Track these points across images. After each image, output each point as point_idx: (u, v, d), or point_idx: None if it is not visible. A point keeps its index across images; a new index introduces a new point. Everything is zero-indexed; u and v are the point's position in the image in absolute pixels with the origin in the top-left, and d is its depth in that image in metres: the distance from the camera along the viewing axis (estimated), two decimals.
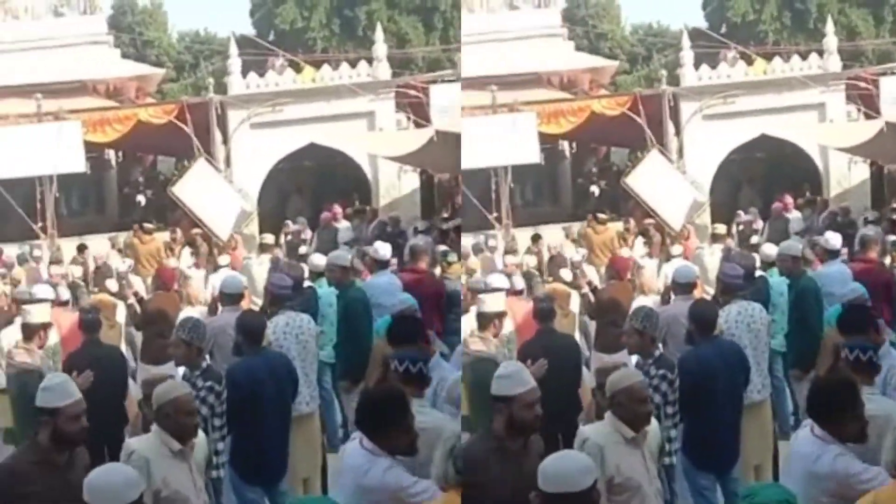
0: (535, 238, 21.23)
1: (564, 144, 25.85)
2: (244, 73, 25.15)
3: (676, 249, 18.46)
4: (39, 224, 22.89)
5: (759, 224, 23.08)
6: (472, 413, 11.13)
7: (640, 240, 20.96)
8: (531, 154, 23.31)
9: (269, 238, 20.62)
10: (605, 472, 7.52)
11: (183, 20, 32.51)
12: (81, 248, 21.57)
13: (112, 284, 16.42)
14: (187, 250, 21.09)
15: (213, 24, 32.44)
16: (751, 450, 10.47)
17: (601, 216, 21.67)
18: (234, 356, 10.45)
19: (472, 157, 22.47)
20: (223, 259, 18.72)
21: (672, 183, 22.80)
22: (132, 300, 15.86)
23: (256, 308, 13.63)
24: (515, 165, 23.65)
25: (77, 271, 19.38)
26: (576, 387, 11.26)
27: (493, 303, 11.45)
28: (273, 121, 24.63)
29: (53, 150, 22.55)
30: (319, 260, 14.51)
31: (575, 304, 14.67)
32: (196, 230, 22.30)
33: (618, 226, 21.90)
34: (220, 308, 12.48)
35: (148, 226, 22.08)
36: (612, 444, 7.67)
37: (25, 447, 7.32)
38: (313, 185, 26.05)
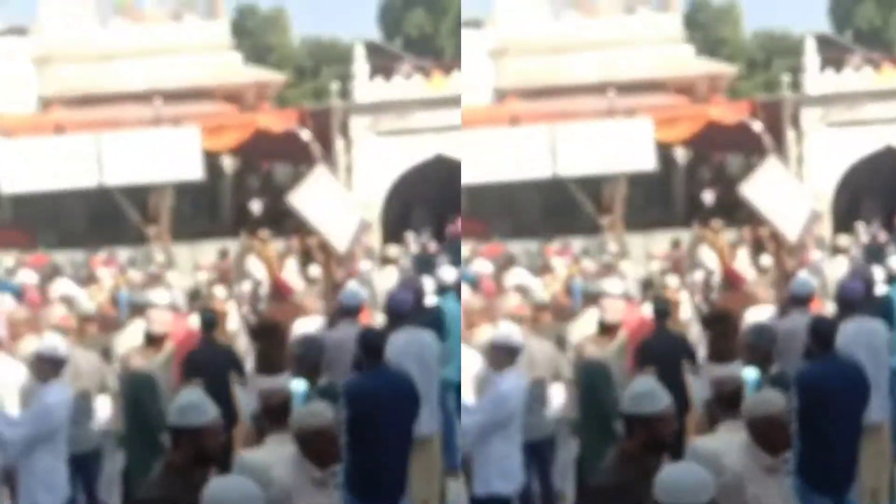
0: (675, 244, 21.10)
1: (679, 151, 25.60)
2: (370, 80, 25.10)
3: (816, 255, 18.22)
4: (153, 229, 22.93)
5: (883, 237, 22.66)
6: (581, 416, 11.08)
7: (745, 250, 20.67)
8: (646, 161, 23.10)
9: (394, 250, 20.29)
10: (742, 501, 7.34)
11: (305, 25, 32.51)
12: (224, 254, 21.51)
13: (220, 292, 16.45)
14: (293, 260, 21.00)
15: (336, 29, 32.42)
16: (867, 473, 10.24)
17: (714, 224, 21.45)
18: (352, 371, 10.32)
19: (586, 162, 22.37)
20: (364, 265, 18.59)
21: (790, 192, 22.36)
22: (246, 309, 15.83)
23: (377, 322, 13.47)
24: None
25: (203, 276, 19.49)
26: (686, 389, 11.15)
27: (613, 312, 11.50)
28: (399, 129, 24.51)
29: (171, 157, 22.62)
30: (448, 274, 14.25)
31: (685, 312, 14.49)
32: (312, 240, 22.06)
33: (731, 235, 21.65)
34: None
35: (262, 234, 22.03)
36: (752, 472, 7.48)
37: (165, 471, 7.08)
38: (438, 197, 25.95)
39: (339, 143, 24.12)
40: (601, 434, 11.16)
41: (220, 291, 16.68)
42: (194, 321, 12.99)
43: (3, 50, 25.67)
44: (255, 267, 19.56)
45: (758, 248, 20.85)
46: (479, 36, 26.15)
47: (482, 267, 18.40)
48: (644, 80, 25.36)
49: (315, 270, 18.68)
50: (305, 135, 23.31)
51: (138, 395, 11.05)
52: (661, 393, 7.26)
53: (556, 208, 23.88)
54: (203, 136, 23.21)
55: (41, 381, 10.23)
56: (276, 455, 7.68)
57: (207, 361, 11.28)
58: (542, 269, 18.52)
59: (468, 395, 10.63)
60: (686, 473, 6.05)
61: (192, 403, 7.10)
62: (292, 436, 7.44)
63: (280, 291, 15.06)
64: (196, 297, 16.87)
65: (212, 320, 12.10)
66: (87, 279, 18.66)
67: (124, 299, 15.02)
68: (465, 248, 21.48)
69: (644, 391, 7.28)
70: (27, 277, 18.61)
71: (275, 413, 8.28)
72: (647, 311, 12.75)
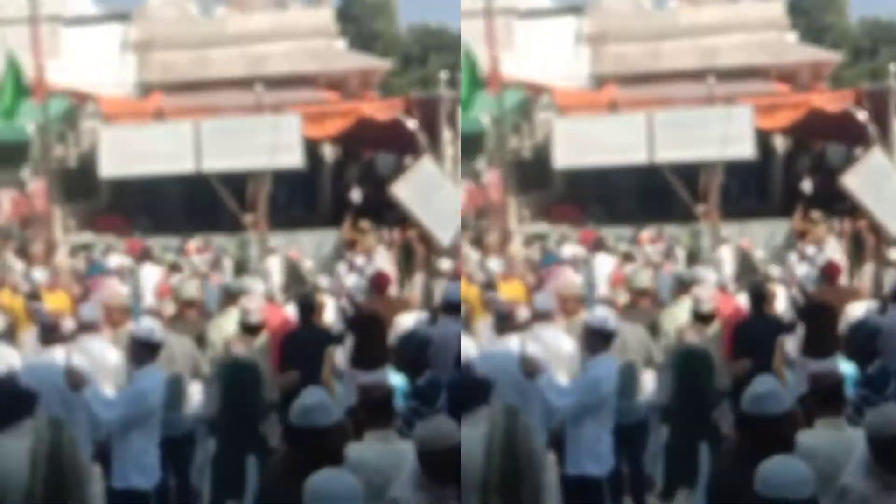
0: (802, 234, 20.87)
1: (778, 139, 25.29)
2: None
3: None
4: (249, 217, 22.83)
5: None
6: (676, 403, 11.03)
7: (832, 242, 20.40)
8: (745, 148, 22.85)
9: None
10: None
11: (412, 11, 32.32)
12: (351, 244, 21.38)
13: (324, 282, 16.49)
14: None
15: (445, 16, 32.18)
16: None
17: (813, 215, 21.19)
18: (455, 368, 10.30)
19: (683, 149, 22.22)
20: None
21: (894, 184, 22.05)
22: (344, 301, 15.79)
23: None
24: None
25: (308, 265, 19.53)
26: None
27: (707, 300, 11.64)
28: None
29: (270, 144, 22.52)
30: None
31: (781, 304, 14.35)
32: (412, 232, 21.82)
33: (830, 226, 21.38)
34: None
35: (363, 225, 21.88)
36: (876, 492, 7.27)
37: (285, 471, 7.01)
38: None
39: (446, 134, 23.86)
40: (695, 421, 11.13)
41: (323, 281, 16.73)
42: (290, 310, 13.10)
43: (105, 35, 25.92)
44: (383, 258, 19.48)
45: (857, 240, 20.57)
46: (578, 22, 26.04)
47: (574, 252, 18.34)
48: (745, 66, 25.13)
49: (446, 264, 18.62)
50: (412, 124, 23.07)
51: (240, 382, 11.12)
52: (784, 393, 7.19)
53: (651, 195, 23.71)
54: (304, 123, 23.07)
55: (136, 365, 10.33)
56: (379, 455, 7.67)
57: (305, 344, 11.33)
58: (626, 256, 18.45)
59: (560, 377, 10.62)
60: (789, 467, 6.03)
61: (315, 404, 7.06)
62: (416, 454, 7.26)
63: (379, 284, 14.90)
64: (295, 286, 16.94)
65: (310, 305, 12.15)
66: (174, 266, 18.71)
67: (214, 287, 15.09)
68: (556, 233, 21.40)
69: (767, 392, 7.21)
70: (119, 262, 18.82)
71: (375, 408, 8.19)
72: (742, 300, 12.68)
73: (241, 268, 19.30)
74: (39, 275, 17.70)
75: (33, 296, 15.24)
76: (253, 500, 10.80)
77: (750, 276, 17.75)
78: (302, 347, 11.63)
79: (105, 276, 17.13)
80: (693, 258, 18.37)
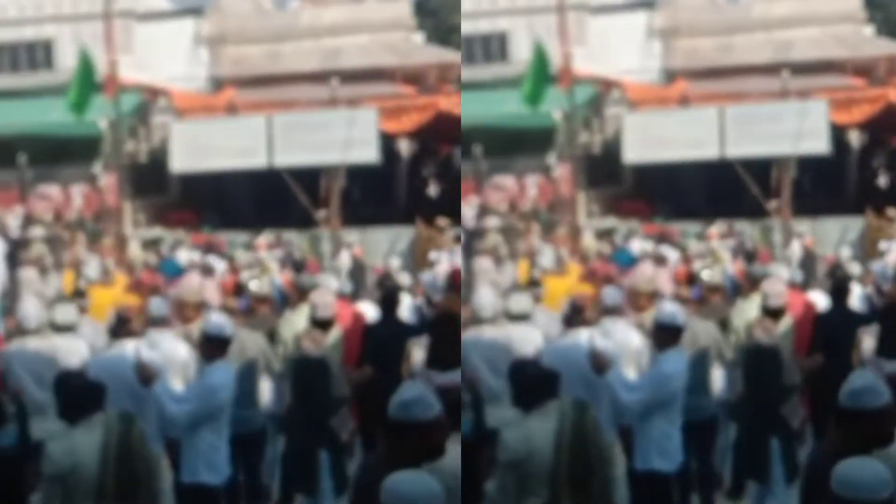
0: None
1: (853, 134, 25.05)
2: None
3: None
4: (322, 213, 22.80)
5: None
6: (746, 399, 10.98)
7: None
8: (819, 144, 22.65)
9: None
10: None
11: None
12: (457, 239, 21.38)
13: (405, 279, 16.48)
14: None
15: None
16: None
17: (890, 212, 20.99)
18: None
19: (755, 144, 22.06)
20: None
21: None
22: (420, 299, 15.77)
23: None
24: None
25: (395, 262, 19.53)
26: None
27: (776, 296, 11.53)
28: None
29: (345, 139, 22.45)
30: None
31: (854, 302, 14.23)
32: None
33: None
34: None
35: (440, 222, 21.78)
36: None
37: (387, 466, 6.68)
38: None
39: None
40: (764, 418, 11.04)
41: (404, 278, 16.72)
42: (363, 307, 13.10)
43: (178, 30, 26.04)
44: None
45: None
46: (649, 16, 25.95)
47: (642, 247, 18.28)
48: (820, 60, 24.90)
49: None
50: None
51: (310, 377, 11.13)
52: (883, 387, 7.10)
53: (721, 190, 23.56)
54: (381, 117, 22.98)
55: (207, 360, 10.35)
56: (455, 457, 7.38)
57: (385, 338, 11.33)
58: (687, 253, 18.36)
59: (629, 373, 10.59)
60: (867, 468, 5.91)
61: (416, 398, 6.93)
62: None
63: (457, 281, 14.77)
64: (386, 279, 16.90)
65: (394, 299, 12.16)
66: (232, 261, 18.72)
67: (277, 283, 15.12)
68: (625, 228, 21.34)
69: (865, 386, 7.10)
70: (190, 257, 18.89)
71: (453, 410, 8.15)
72: (812, 296, 12.57)
73: (299, 266, 19.14)
74: (92, 270, 17.80)
75: (81, 293, 15.36)
76: (326, 496, 10.82)
77: (813, 273, 17.61)
78: (382, 341, 11.64)
79: (173, 276, 17.19)
80: (752, 256, 18.20)
